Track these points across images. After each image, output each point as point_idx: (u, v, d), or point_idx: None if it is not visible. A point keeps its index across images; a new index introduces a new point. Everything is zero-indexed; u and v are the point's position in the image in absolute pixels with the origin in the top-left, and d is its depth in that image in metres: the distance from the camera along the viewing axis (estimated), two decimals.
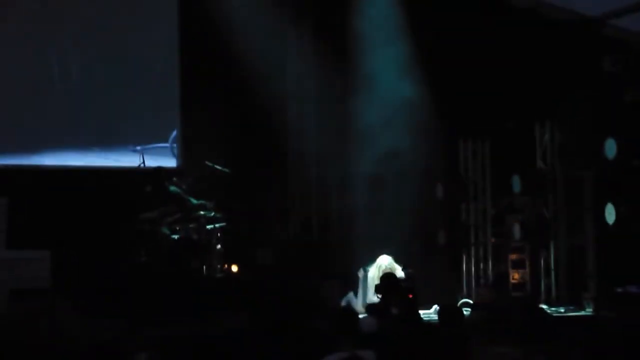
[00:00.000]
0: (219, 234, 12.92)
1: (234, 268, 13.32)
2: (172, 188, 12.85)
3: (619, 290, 11.94)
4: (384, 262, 12.20)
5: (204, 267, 12.56)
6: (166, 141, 14.79)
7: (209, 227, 12.84)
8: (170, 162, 14.64)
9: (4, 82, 14.03)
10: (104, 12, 14.48)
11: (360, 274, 12.04)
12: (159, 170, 13.21)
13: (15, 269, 11.54)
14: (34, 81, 14.17)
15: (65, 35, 14.34)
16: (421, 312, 10.92)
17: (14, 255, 11.76)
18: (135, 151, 14.28)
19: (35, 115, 14.08)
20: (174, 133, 14.63)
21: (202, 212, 12.80)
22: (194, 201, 12.75)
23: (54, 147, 14.17)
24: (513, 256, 14.69)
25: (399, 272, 11.97)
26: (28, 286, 11.17)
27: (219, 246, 12.90)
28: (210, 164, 13.50)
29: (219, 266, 12.91)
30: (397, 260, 12.29)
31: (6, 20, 14.07)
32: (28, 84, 14.13)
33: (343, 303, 11.36)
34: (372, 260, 12.57)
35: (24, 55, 14.13)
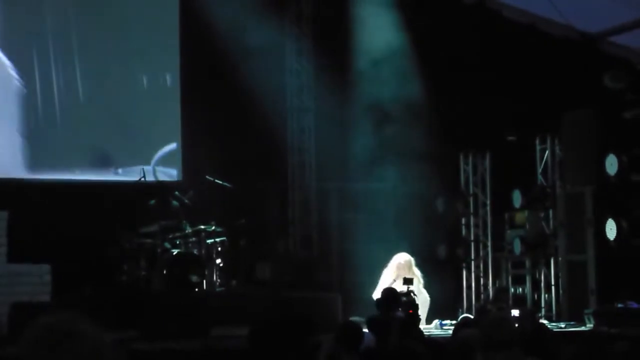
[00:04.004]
0: (219, 248, 12.92)
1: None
2: (175, 202, 12.86)
3: (620, 306, 11.92)
4: (403, 259, 12.22)
5: (204, 282, 12.54)
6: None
7: (209, 241, 12.83)
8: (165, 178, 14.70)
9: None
10: (104, 29, 14.52)
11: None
12: (162, 184, 13.21)
13: (15, 283, 11.55)
14: (36, 99, 14.20)
15: (66, 52, 14.36)
16: (422, 327, 10.90)
17: (14, 269, 11.76)
18: (116, 173, 14.35)
19: (37, 135, 14.12)
20: (157, 155, 14.57)
21: (202, 227, 12.80)
22: (188, 228, 12.74)
23: (55, 163, 14.20)
24: (513, 271, 14.70)
25: (417, 272, 12.06)
26: (29, 300, 11.17)
27: (219, 260, 12.88)
28: (210, 178, 13.50)
29: (218, 280, 12.90)
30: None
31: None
32: (30, 102, 14.17)
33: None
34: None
35: (29, 73, 14.18)
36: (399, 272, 11.88)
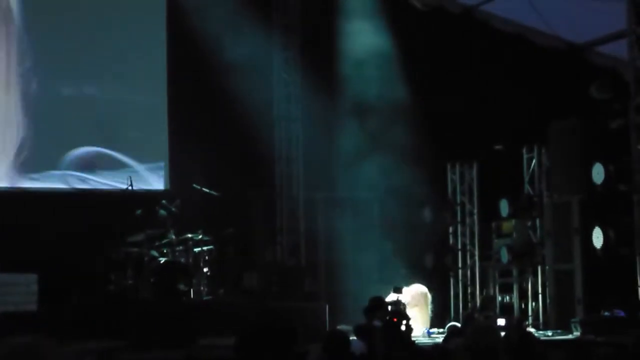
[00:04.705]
0: (206, 257, 12.90)
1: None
2: (162, 211, 12.83)
3: (607, 314, 11.95)
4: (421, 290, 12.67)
5: (191, 290, 12.53)
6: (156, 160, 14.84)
7: (196, 250, 12.82)
8: (157, 186, 14.71)
9: None
10: (93, 35, 14.53)
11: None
12: (149, 193, 13.18)
13: (2, 292, 11.50)
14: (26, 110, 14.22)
15: (51, 65, 14.37)
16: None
17: (1, 279, 11.72)
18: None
19: (24, 142, 14.10)
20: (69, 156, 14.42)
21: (189, 235, 12.78)
22: (172, 236, 12.72)
23: (43, 170, 14.19)
24: (500, 280, 14.72)
25: (429, 309, 12.48)
26: (16, 309, 11.13)
27: (206, 269, 12.87)
28: (197, 186, 13.49)
29: (206, 289, 12.88)
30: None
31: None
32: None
33: None
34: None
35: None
36: (411, 299, 12.07)
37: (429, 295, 12.80)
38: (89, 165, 14.31)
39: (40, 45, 14.25)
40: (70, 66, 14.43)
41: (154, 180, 14.77)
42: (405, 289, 12.42)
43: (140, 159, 14.67)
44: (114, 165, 14.49)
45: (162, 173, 14.85)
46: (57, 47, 14.33)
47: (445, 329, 12.11)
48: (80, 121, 14.37)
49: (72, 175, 14.29)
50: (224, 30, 14.21)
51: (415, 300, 12.18)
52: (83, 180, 14.41)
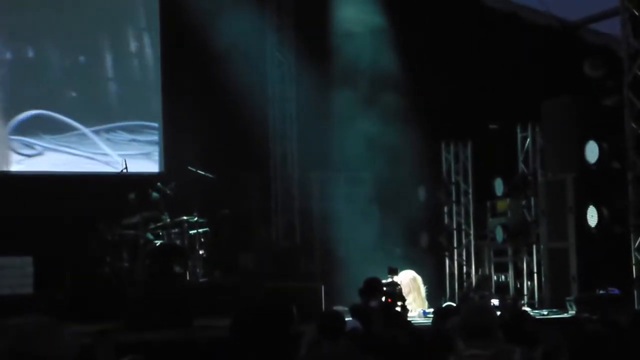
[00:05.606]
0: (202, 239, 12.91)
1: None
2: (155, 194, 12.82)
3: (601, 292, 11.98)
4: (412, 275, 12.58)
5: (187, 272, 12.54)
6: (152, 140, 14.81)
7: (191, 232, 12.82)
8: (152, 168, 14.71)
9: None
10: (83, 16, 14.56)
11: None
12: (144, 176, 13.19)
13: None
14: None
15: (54, 49, 14.36)
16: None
17: None
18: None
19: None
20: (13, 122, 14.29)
21: (185, 217, 12.78)
22: (167, 218, 12.70)
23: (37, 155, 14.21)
24: (496, 259, 14.75)
25: (422, 292, 12.40)
26: (11, 292, 11.14)
27: (201, 251, 12.88)
28: (192, 169, 13.48)
29: (201, 271, 12.89)
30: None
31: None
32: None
33: None
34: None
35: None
36: (403, 288, 12.07)
37: (419, 278, 12.75)
38: None
39: None
40: (65, 34, 14.43)
41: (150, 164, 14.79)
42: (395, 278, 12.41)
43: (137, 142, 14.70)
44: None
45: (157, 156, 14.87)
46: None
47: (439, 309, 12.13)
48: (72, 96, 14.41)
49: (19, 140, 14.18)
50: (217, 12, 14.17)
51: (407, 288, 12.17)
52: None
